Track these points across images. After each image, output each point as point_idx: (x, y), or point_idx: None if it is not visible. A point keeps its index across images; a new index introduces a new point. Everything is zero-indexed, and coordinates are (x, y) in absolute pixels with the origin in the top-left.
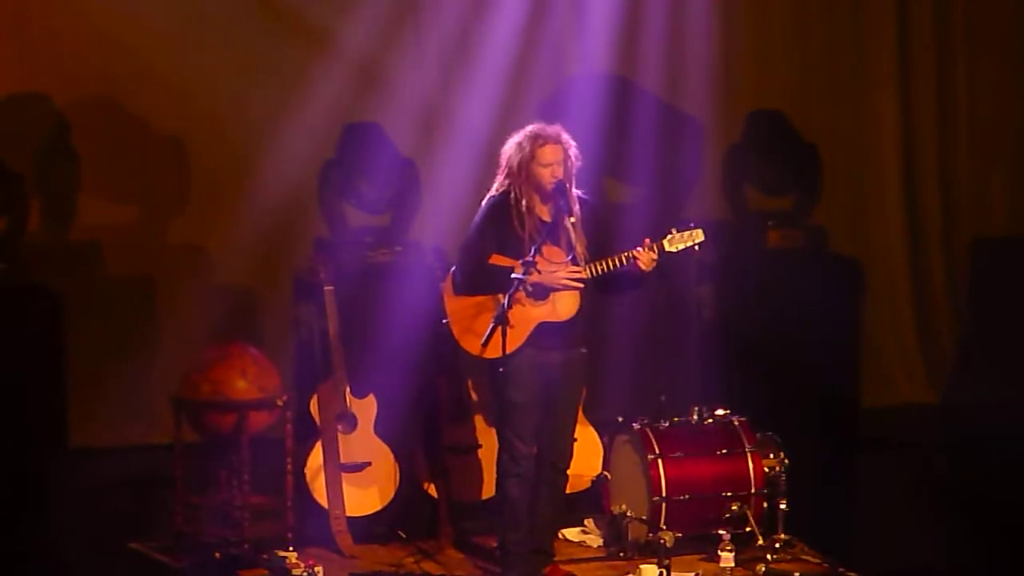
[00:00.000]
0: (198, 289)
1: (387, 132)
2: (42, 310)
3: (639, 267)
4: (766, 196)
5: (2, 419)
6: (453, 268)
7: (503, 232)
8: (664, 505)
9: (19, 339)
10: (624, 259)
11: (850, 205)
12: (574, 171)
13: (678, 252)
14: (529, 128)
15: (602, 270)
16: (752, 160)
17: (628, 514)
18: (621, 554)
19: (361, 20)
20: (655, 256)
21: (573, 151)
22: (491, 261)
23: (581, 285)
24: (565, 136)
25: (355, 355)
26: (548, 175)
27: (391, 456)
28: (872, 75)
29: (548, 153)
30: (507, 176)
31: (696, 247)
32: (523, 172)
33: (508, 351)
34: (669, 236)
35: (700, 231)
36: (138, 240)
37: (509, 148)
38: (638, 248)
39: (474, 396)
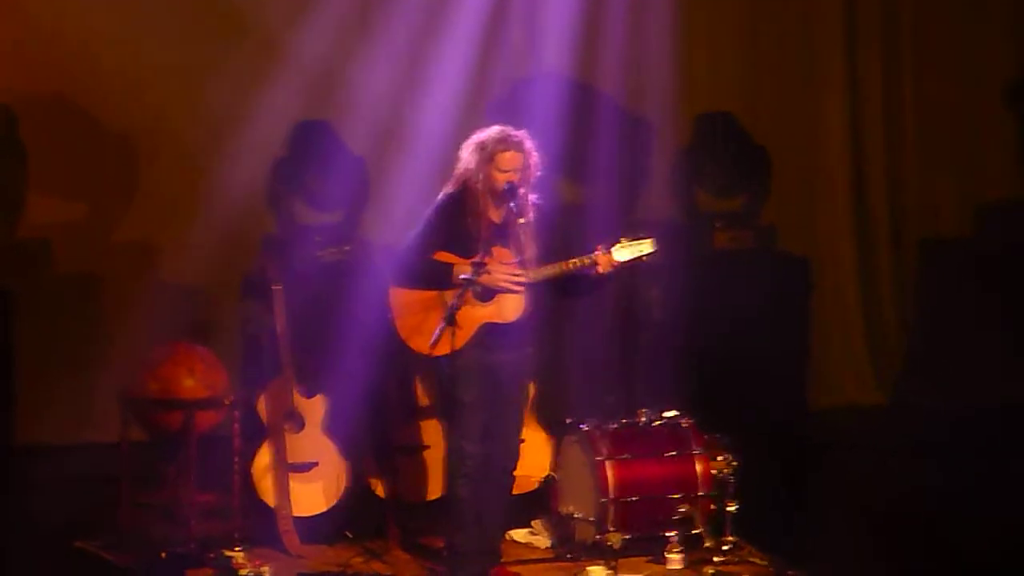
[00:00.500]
0: (147, 287)
1: (338, 130)
2: None
3: (596, 271)
4: (716, 197)
5: None
6: (397, 257)
7: (455, 230)
8: (612, 506)
9: None
10: (573, 264)
11: (799, 206)
12: (532, 178)
13: (626, 262)
14: (495, 130)
15: (551, 274)
16: (702, 161)
17: (576, 515)
18: (569, 555)
19: (315, 19)
20: (614, 261)
21: (534, 159)
22: (436, 257)
23: (520, 289)
24: (528, 143)
25: (303, 354)
26: (503, 179)
27: (339, 456)
28: (821, 77)
29: (508, 159)
30: (464, 174)
31: (644, 257)
32: (480, 173)
33: (455, 350)
34: (618, 245)
35: (650, 241)
36: (87, 238)
37: (470, 146)
38: (596, 253)
39: (423, 396)
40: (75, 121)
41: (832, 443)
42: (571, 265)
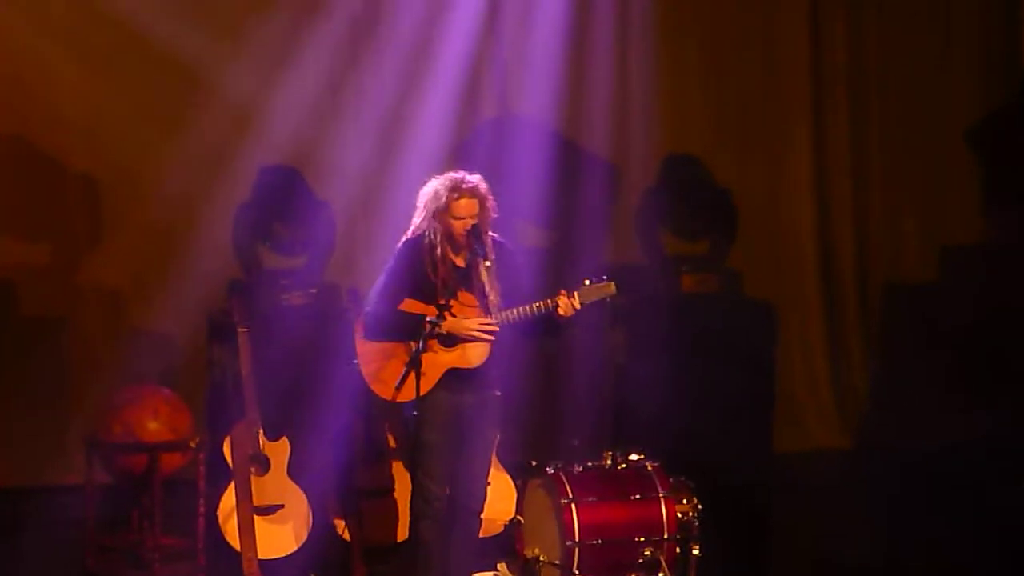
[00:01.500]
0: (111, 330)
1: (302, 175)
2: None
3: (559, 315)
4: (681, 240)
5: None
6: (365, 311)
7: (416, 276)
8: (577, 549)
9: None
10: (537, 307)
11: (764, 250)
12: (490, 220)
13: (589, 304)
14: (449, 176)
15: (513, 317)
16: (667, 204)
17: (541, 559)
18: None
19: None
20: (576, 304)
21: (490, 203)
22: (403, 307)
23: (492, 338)
24: (483, 188)
25: (269, 397)
26: (460, 227)
27: (304, 498)
28: (787, 122)
29: (463, 207)
30: (423, 220)
31: (607, 299)
32: (437, 219)
33: (420, 394)
34: (581, 288)
35: (612, 284)
36: (51, 280)
37: (426, 192)
38: (558, 296)
39: (388, 438)
40: (36, 163)
41: (797, 486)
42: (534, 308)
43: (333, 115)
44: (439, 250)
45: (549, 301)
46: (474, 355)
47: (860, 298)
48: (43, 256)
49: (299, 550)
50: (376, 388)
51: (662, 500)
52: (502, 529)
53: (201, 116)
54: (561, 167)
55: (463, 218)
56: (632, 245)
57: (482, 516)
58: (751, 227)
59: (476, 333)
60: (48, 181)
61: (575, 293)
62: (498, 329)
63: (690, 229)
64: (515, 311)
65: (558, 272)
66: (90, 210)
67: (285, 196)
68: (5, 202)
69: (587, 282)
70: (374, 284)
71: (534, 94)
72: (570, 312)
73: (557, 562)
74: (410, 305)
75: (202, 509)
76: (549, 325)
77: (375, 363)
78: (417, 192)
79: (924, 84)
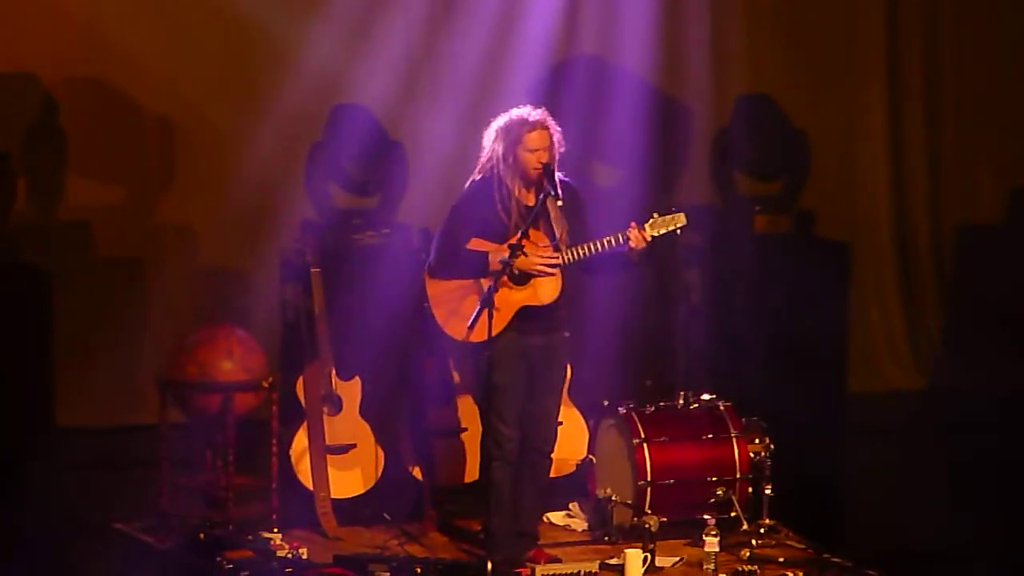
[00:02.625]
0: (185, 270)
1: (374, 113)
2: (30, 290)
3: (629, 248)
4: (754, 181)
5: None
6: (431, 248)
7: (485, 217)
8: (649, 489)
9: (6, 319)
10: (607, 243)
11: (838, 190)
12: (558, 156)
13: (660, 236)
14: (514, 113)
15: (583, 254)
16: (741, 145)
17: (613, 498)
18: (606, 538)
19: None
20: (647, 236)
21: (558, 136)
22: (470, 246)
23: (554, 272)
24: (551, 121)
25: (341, 337)
26: (534, 160)
27: (376, 438)
28: (861, 62)
29: (535, 139)
30: (490, 160)
31: (678, 231)
32: (509, 157)
33: (492, 335)
34: (651, 220)
35: (682, 215)
36: (126, 221)
37: (493, 132)
38: (628, 230)
39: (458, 379)
40: (114, 105)
41: (871, 426)
42: (604, 244)
43: (409, 57)
44: (510, 188)
45: (621, 236)
46: (545, 293)
47: (933, 239)
48: (119, 198)
49: (371, 490)
50: (448, 329)
51: (734, 440)
52: (574, 469)
53: (276, 63)
54: (635, 108)
55: (536, 150)
56: (705, 185)
57: (553, 456)
58: (824, 168)
59: (540, 267)
60: (125, 124)
61: (645, 225)
62: (561, 262)
63: (763, 170)
64: (585, 247)
65: (630, 213)
66: (166, 153)
67: (359, 136)
68: (83, 144)
69: (656, 215)
70: (440, 224)
71: (608, 35)
72: (640, 245)
73: (629, 502)
74: (479, 245)
75: (275, 449)
76: (620, 261)
77: (447, 304)
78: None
79: (1000, 24)
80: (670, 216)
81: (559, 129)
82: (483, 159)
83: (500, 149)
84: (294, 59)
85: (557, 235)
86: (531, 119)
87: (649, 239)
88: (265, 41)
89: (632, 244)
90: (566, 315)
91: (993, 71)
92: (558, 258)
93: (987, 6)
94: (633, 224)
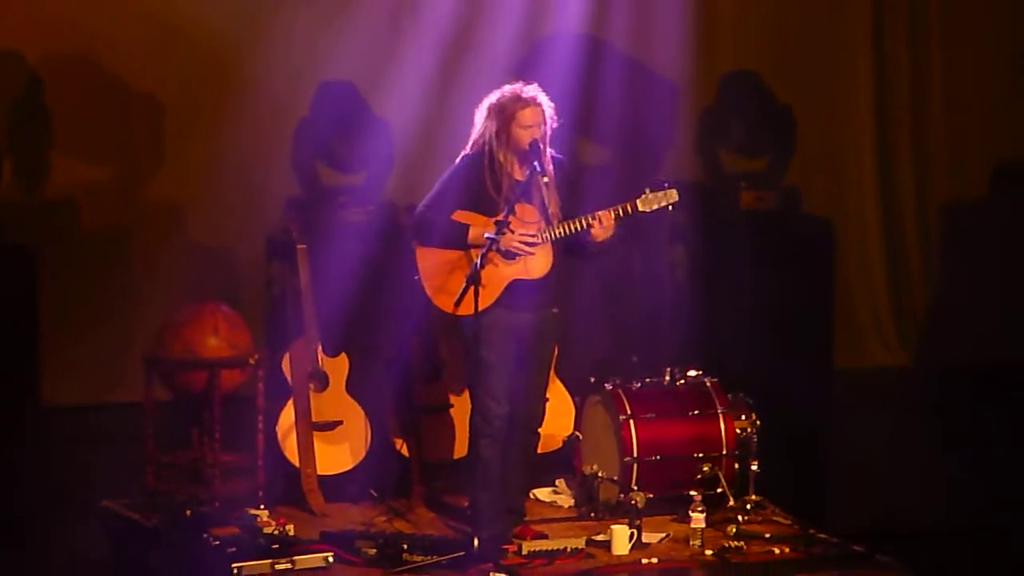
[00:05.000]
0: (171, 247)
1: (361, 90)
2: (16, 268)
3: (591, 235)
4: (740, 157)
5: None
6: (416, 212)
7: (476, 191)
8: (635, 466)
9: None
10: (580, 224)
11: (823, 166)
12: (550, 132)
13: (651, 212)
14: (507, 89)
15: (565, 232)
16: (726, 121)
17: (599, 475)
18: (592, 515)
19: None
20: (612, 222)
21: (551, 112)
22: (456, 217)
23: (532, 252)
24: (544, 97)
25: (327, 313)
26: (527, 136)
27: (363, 415)
28: (847, 36)
29: (529, 115)
30: (482, 136)
31: (670, 207)
32: (503, 134)
33: (480, 310)
34: (643, 196)
35: (674, 191)
36: (111, 198)
37: (485, 109)
38: (599, 213)
39: (447, 355)
40: (100, 81)
41: (856, 403)
42: (577, 225)
43: (394, 34)
44: (502, 164)
45: (587, 219)
46: (535, 267)
47: (918, 216)
48: (106, 175)
49: (357, 466)
50: (438, 301)
51: (721, 416)
52: (561, 445)
53: (262, 40)
54: (621, 84)
55: (530, 126)
56: (691, 162)
57: (540, 433)
58: (810, 144)
59: (518, 246)
60: (111, 101)
61: (636, 200)
62: (539, 242)
63: (749, 146)
64: (563, 226)
65: (616, 190)
66: (152, 130)
67: (345, 113)
68: (70, 122)
69: (648, 190)
70: (429, 193)
71: (598, 13)
72: (602, 235)
73: (615, 478)
74: (467, 217)
75: (261, 426)
76: (591, 246)
77: (438, 277)
78: (476, 109)
79: (986, 2)
80: (662, 192)
81: (552, 105)
82: (475, 135)
83: (493, 126)
84: (280, 36)
85: (549, 210)
86: (525, 95)
87: (640, 213)
88: (251, 18)
89: (593, 232)
90: (555, 291)
91: (979, 47)
92: (536, 237)
93: None
94: (599, 213)
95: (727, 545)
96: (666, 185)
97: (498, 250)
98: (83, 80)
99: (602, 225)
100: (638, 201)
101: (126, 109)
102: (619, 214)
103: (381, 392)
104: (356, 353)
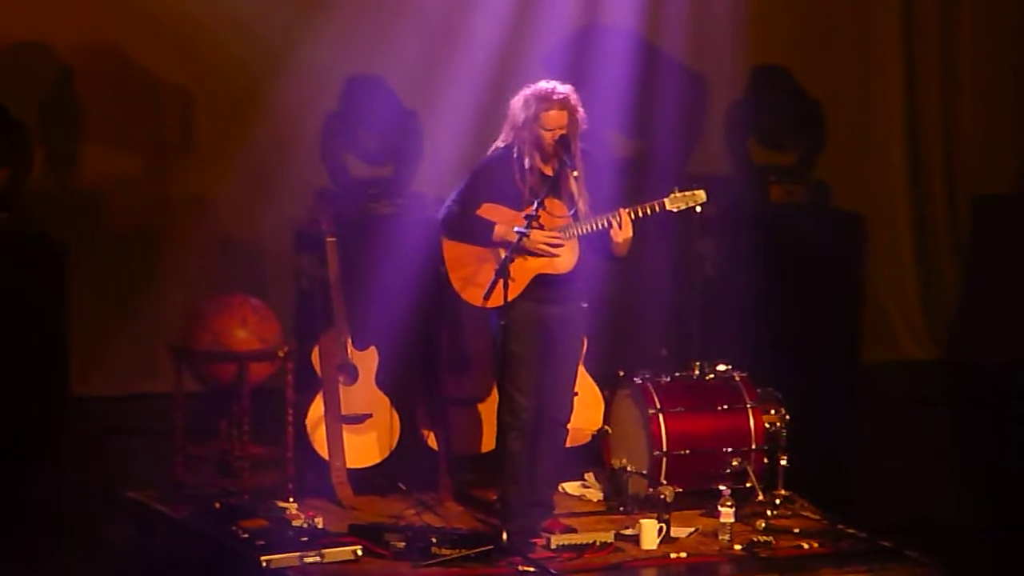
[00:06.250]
0: (200, 239)
1: (390, 83)
2: (45, 259)
3: (612, 234)
4: (769, 151)
5: (4, 367)
6: (443, 207)
7: (503, 184)
8: (664, 460)
9: (22, 287)
10: (604, 222)
11: (853, 160)
12: (580, 131)
13: (678, 212)
14: (540, 86)
15: (588, 230)
16: (755, 115)
17: (628, 468)
18: (621, 508)
19: None
20: (628, 233)
21: (580, 114)
22: (486, 211)
23: (557, 253)
24: (573, 98)
25: (356, 306)
26: (549, 137)
27: (391, 408)
28: (876, 29)
29: (552, 118)
30: (511, 130)
31: (697, 208)
32: (526, 130)
33: (508, 301)
34: (671, 195)
35: (702, 192)
36: (142, 189)
37: (516, 103)
38: (620, 211)
39: (475, 348)
40: (130, 73)
41: (885, 397)
42: (600, 223)
43: (424, 28)
44: (528, 160)
45: (607, 218)
46: (562, 262)
47: (949, 209)
48: (135, 167)
49: (386, 459)
50: (466, 294)
51: (749, 410)
52: (589, 439)
53: (291, 24)
54: (650, 78)
55: (552, 129)
56: (720, 156)
57: (569, 426)
58: (839, 138)
59: (542, 247)
60: (141, 92)
61: (664, 200)
62: (563, 243)
63: (778, 140)
64: (587, 224)
65: (645, 183)
66: (182, 122)
67: (373, 105)
68: (99, 113)
69: (676, 190)
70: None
71: (628, 7)
72: (622, 238)
73: (644, 472)
74: (494, 211)
75: (290, 418)
76: (608, 246)
77: (466, 269)
78: (506, 102)
79: None
80: (690, 193)
81: (580, 107)
82: (506, 127)
83: (519, 121)
84: (310, 28)
85: (578, 206)
86: (553, 97)
87: (667, 212)
88: (281, 10)
89: (612, 232)
90: (584, 285)
91: (1010, 40)
92: (560, 238)
93: None
94: (622, 209)
95: (756, 540)
96: (694, 186)
97: (524, 248)
98: (113, 72)
99: (621, 227)
100: (666, 200)
101: (156, 101)
102: (647, 212)
103: (410, 385)
104: (385, 346)
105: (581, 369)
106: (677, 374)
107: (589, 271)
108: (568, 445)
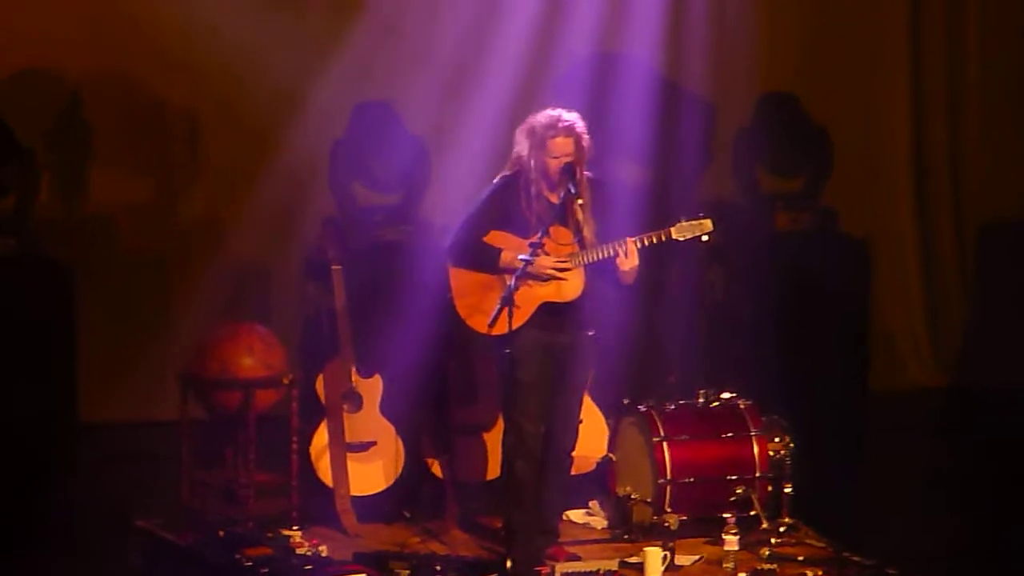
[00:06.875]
0: (208, 266)
1: (397, 111)
2: (54, 284)
3: (618, 262)
4: (776, 178)
5: (13, 392)
6: (451, 235)
7: (510, 212)
8: (669, 488)
9: (30, 313)
10: (612, 250)
11: (860, 187)
12: (586, 159)
13: (684, 241)
14: (547, 113)
15: (594, 258)
16: (762, 142)
17: (633, 496)
18: (626, 536)
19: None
20: (634, 261)
21: (586, 141)
22: (492, 238)
23: (564, 277)
24: (580, 126)
25: (362, 334)
26: (555, 165)
27: (396, 435)
28: (884, 57)
29: (558, 145)
30: (517, 158)
31: (704, 237)
32: (532, 159)
33: (512, 329)
34: (678, 224)
35: (709, 222)
36: (150, 215)
37: (523, 130)
38: (628, 240)
39: (480, 376)
40: (139, 98)
41: (892, 425)
42: (608, 251)
43: (431, 55)
44: (534, 187)
45: (614, 247)
46: (568, 289)
47: (957, 236)
48: (144, 192)
49: (391, 487)
50: (472, 322)
51: (754, 439)
52: (594, 467)
53: (299, 51)
54: (657, 105)
55: (558, 157)
56: (727, 182)
57: (574, 454)
58: (847, 164)
59: (550, 271)
60: (150, 118)
61: (670, 228)
62: (570, 267)
63: (785, 166)
64: (593, 253)
65: (654, 209)
66: (190, 148)
67: (381, 133)
68: (108, 138)
69: (683, 219)
70: (464, 213)
71: (630, 31)
72: (627, 266)
73: (649, 500)
74: (501, 238)
75: (295, 446)
76: (610, 275)
77: (472, 296)
78: (513, 130)
79: None
80: (697, 222)
81: (586, 134)
82: (512, 155)
83: (525, 149)
84: (318, 57)
85: (583, 235)
86: (559, 125)
87: (673, 241)
88: (289, 40)
89: (618, 261)
90: (590, 313)
91: (1018, 65)
92: (568, 262)
93: (1011, 1)
94: (630, 239)
95: (760, 568)
96: (701, 215)
97: (530, 273)
98: (122, 98)
99: (627, 255)
100: (672, 229)
101: (165, 127)
102: (653, 241)
103: (415, 413)
104: (390, 374)
105: (586, 397)
106: (682, 401)
107: (596, 299)
108: (573, 473)
